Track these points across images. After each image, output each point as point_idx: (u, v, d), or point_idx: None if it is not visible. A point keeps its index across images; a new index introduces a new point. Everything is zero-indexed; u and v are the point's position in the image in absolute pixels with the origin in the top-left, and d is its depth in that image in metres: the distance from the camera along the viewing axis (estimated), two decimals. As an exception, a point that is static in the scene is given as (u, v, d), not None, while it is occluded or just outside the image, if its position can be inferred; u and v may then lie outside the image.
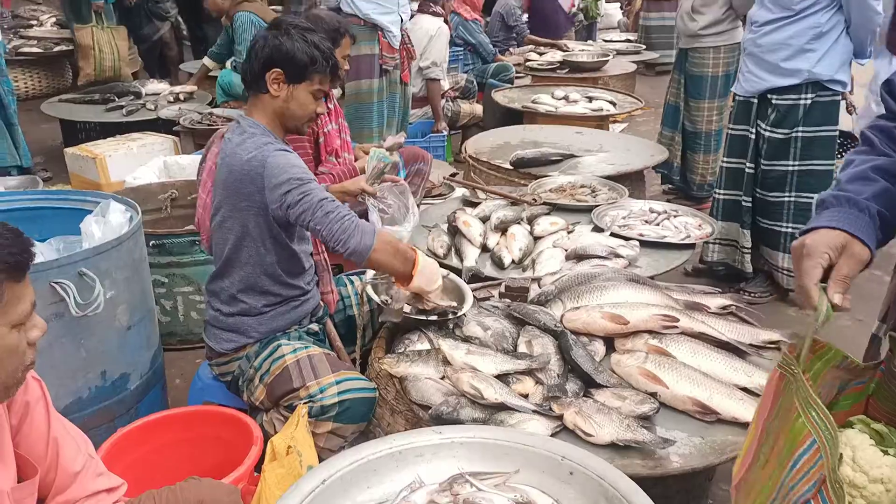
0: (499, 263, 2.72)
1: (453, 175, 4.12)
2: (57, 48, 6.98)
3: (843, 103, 3.38)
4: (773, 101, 3.28)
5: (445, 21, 5.56)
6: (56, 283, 2.04)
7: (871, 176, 1.25)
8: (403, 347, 2.14)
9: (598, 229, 2.93)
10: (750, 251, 3.53)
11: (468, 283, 2.50)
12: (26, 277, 1.27)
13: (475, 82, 6.12)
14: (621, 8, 10.63)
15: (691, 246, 2.90)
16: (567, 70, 6.44)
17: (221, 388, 2.33)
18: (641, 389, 1.92)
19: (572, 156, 3.90)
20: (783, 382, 1.17)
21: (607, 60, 6.57)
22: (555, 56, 6.79)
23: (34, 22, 7.39)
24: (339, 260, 2.90)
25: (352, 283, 2.59)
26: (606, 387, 1.93)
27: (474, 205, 3.17)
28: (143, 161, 4.07)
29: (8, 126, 4.56)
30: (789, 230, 3.40)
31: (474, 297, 2.35)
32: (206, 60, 5.29)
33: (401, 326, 2.25)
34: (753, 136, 3.38)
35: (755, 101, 3.35)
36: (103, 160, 4.15)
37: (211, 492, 1.59)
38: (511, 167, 3.75)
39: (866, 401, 1.28)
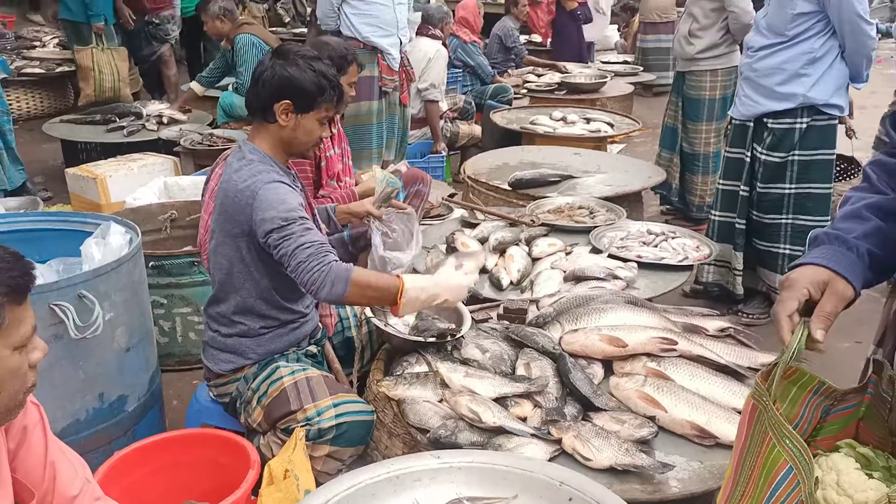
0: (497, 285, 2.73)
1: (452, 196, 4.13)
2: (59, 69, 7.03)
3: (842, 127, 3.41)
4: (769, 125, 3.31)
5: (444, 44, 5.61)
6: (55, 305, 2.04)
7: (864, 214, 1.28)
8: (401, 370, 2.14)
9: (596, 251, 2.94)
10: (741, 273, 3.54)
11: (466, 304, 2.50)
12: (27, 300, 1.28)
13: (474, 103, 6.16)
14: (619, 30, 10.73)
15: (689, 268, 2.91)
16: (565, 91, 6.48)
17: (219, 410, 2.32)
18: (640, 413, 1.92)
19: (570, 177, 3.92)
20: (756, 413, 1.18)
21: (605, 82, 6.62)
22: (553, 77, 6.85)
23: (37, 43, 7.45)
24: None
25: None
26: (605, 410, 1.93)
27: (473, 226, 3.19)
28: (143, 182, 4.08)
29: None
30: (787, 251, 3.41)
31: (473, 318, 2.35)
32: (194, 85, 5.32)
33: (399, 349, 2.25)
34: (749, 160, 3.41)
35: (751, 124, 3.38)
36: (104, 180, 4.17)
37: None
38: (509, 188, 3.77)
39: (856, 425, 1.29)
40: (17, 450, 1.40)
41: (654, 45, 8.65)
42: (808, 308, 1.22)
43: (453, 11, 6.33)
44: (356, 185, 3.03)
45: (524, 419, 1.91)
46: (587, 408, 1.96)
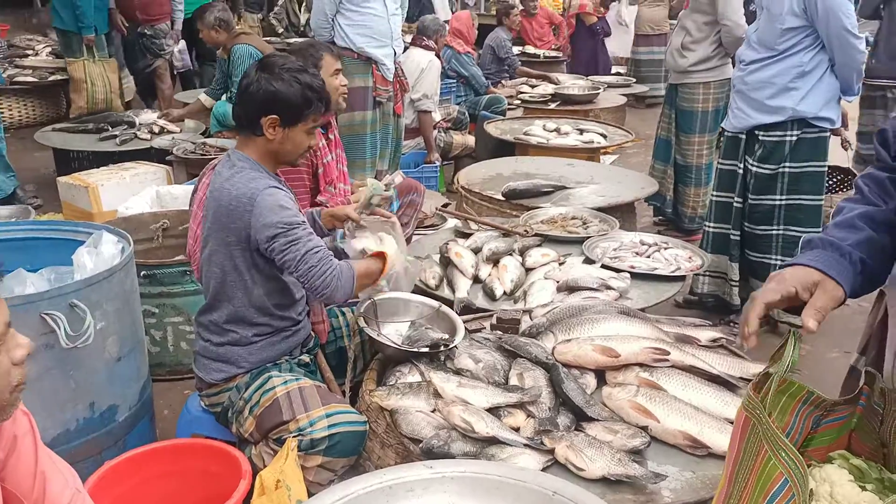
0: (490, 295, 2.73)
1: (445, 205, 4.14)
2: (52, 77, 7.02)
3: (838, 139, 3.43)
4: (760, 138, 3.34)
5: (437, 55, 5.64)
6: (47, 314, 2.03)
7: (857, 224, 1.29)
8: (394, 380, 2.14)
9: (589, 261, 2.94)
10: (738, 284, 3.56)
11: (459, 314, 2.51)
12: None
13: (467, 114, 6.18)
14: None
15: (681, 278, 2.92)
16: (559, 102, 6.52)
17: (210, 420, 2.31)
18: (632, 423, 1.92)
19: (564, 187, 3.93)
20: (749, 425, 1.19)
21: (598, 93, 6.66)
22: (546, 89, 6.88)
23: (30, 52, 7.44)
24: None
25: (343, 314, 2.59)
26: (598, 420, 1.93)
27: (466, 236, 3.19)
28: (135, 190, 4.08)
29: None
30: (778, 262, 3.43)
31: (466, 328, 2.35)
32: (203, 97, 5.31)
33: (392, 359, 2.25)
34: (741, 171, 3.44)
35: (743, 136, 3.41)
36: (96, 189, 4.16)
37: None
38: (503, 198, 3.78)
39: (849, 436, 1.30)
40: (6, 459, 1.39)
41: (646, 56, 8.72)
42: (794, 309, 1.23)
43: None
44: (352, 193, 3.03)
45: (517, 429, 1.91)
46: (580, 418, 1.96)
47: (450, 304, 2.63)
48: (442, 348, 2.20)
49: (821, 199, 3.35)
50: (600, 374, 2.15)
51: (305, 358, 2.35)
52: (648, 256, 3.02)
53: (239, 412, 2.16)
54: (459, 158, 5.84)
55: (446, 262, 2.91)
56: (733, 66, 3.80)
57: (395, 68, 4.54)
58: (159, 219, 3.56)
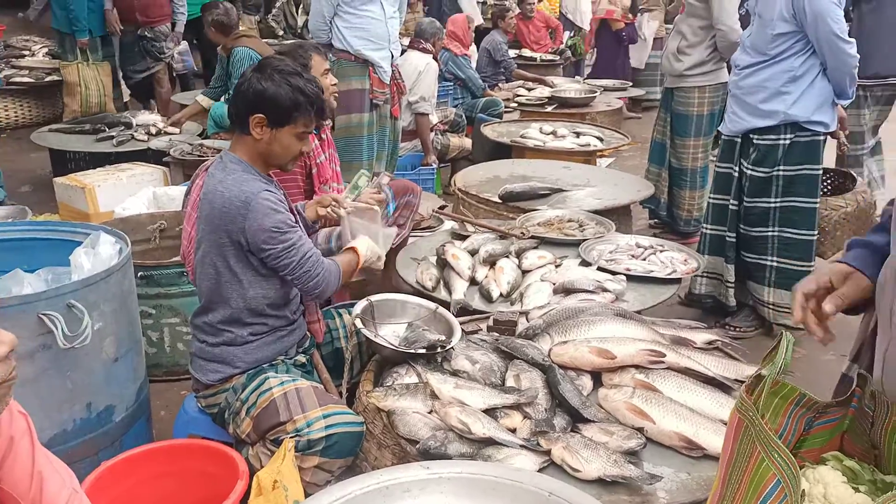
0: (487, 297, 2.74)
1: (442, 208, 4.15)
2: (48, 78, 7.01)
3: (835, 142, 3.44)
4: (755, 141, 3.36)
5: (435, 58, 5.65)
6: (44, 314, 2.03)
7: (888, 226, 1.36)
8: (391, 381, 2.15)
9: (585, 263, 2.95)
10: (734, 285, 3.58)
11: (456, 316, 2.51)
12: None
13: (464, 116, 6.20)
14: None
15: (677, 281, 2.93)
16: (555, 105, 6.54)
17: (207, 421, 2.31)
18: (628, 424, 1.93)
19: (560, 190, 3.94)
20: (742, 427, 1.20)
21: (595, 96, 6.68)
22: (543, 92, 6.90)
23: (26, 52, 7.44)
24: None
25: (340, 315, 2.60)
26: (594, 422, 1.94)
27: (463, 238, 3.20)
28: (132, 191, 4.07)
29: None
30: (774, 264, 3.45)
31: (462, 330, 2.36)
32: (201, 98, 5.30)
33: (388, 360, 2.26)
34: (737, 175, 3.46)
35: (738, 140, 3.44)
36: (92, 190, 4.15)
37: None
38: (500, 201, 3.79)
39: (841, 437, 1.31)
40: (3, 460, 1.39)
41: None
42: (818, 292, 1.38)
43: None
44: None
45: (513, 430, 1.91)
46: (576, 419, 1.97)
47: (446, 305, 2.64)
48: (439, 350, 2.21)
49: (816, 202, 3.37)
50: (596, 376, 2.16)
51: (302, 358, 2.36)
52: (644, 259, 3.03)
53: (236, 413, 2.17)
54: (456, 161, 5.85)
55: (443, 264, 2.92)
56: (729, 71, 3.82)
57: (393, 71, 4.55)
58: (156, 220, 3.56)
